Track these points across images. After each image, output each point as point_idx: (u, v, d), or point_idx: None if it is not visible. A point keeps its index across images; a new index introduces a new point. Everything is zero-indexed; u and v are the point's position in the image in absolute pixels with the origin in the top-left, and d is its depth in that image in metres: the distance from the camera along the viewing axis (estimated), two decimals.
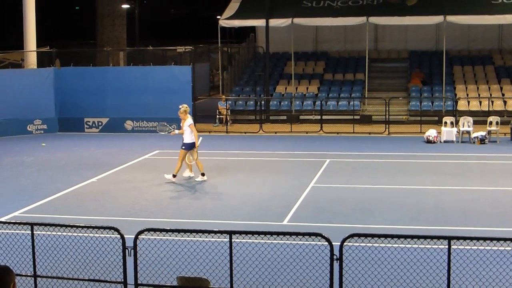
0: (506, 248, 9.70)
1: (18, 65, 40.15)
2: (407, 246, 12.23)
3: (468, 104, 35.57)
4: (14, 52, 40.69)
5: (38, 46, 36.82)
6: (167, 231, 10.74)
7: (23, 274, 11.08)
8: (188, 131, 21.29)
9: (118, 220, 15.96)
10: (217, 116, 36.07)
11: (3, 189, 21.04)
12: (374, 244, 11.81)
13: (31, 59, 35.66)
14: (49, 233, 13.21)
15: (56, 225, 11.29)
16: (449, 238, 9.36)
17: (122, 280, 10.30)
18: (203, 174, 21.61)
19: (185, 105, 21.95)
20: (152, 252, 11.83)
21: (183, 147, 21.32)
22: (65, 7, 77.03)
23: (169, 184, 21.25)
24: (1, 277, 5.79)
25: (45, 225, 11.46)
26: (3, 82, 32.80)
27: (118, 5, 49.14)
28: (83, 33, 65.05)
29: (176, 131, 22.48)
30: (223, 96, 37.31)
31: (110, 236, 12.58)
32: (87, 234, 11.44)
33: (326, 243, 9.54)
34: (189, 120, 21.43)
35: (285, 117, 36.42)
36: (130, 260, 10.09)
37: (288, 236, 10.56)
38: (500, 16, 35.77)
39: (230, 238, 9.88)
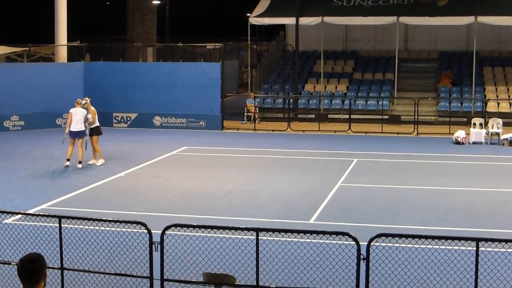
0: None
1: (49, 59, 40.38)
2: (434, 247, 12.15)
3: (498, 106, 35.30)
4: (45, 46, 40.96)
5: (68, 40, 37.08)
6: (194, 227, 10.76)
7: (50, 266, 11.14)
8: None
9: (145, 215, 15.99)
10: (245, 113, 36.04)
11: (32, 181, 21.20)
12: (401, 245, 11.75)
13: (62, 53, 35.89)
14: (77, 226, 13.29)
15: (83, 219, 11.35)
16: (477, 240, 9.27)
17: (148, 275, 10.33)
18: (80, 162, 23.41)
19: (86, 99, 24.59)
20: (178, 247, 11.84)
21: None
22: (96, 2, 77.74)
23: (196, 180, 21.32)
24: (39, 266, 6.01)
25: (73, 218, 11.54)
26: (34, 76, 32.99)
27: (149, 0, 49.42)
28: (113, 28, 65.56)
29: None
30: (252, 94, 37.29)
31: (137, 231, 12.68)
32: (114, 228, 11.49)
33: (353, 242, 9.50)
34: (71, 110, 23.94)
35: (313, 116, 36.29)
36: (156, 255, 10.11)
37: (314, 235, 10.54)
38: None
39: (257, 235, 9.86)
